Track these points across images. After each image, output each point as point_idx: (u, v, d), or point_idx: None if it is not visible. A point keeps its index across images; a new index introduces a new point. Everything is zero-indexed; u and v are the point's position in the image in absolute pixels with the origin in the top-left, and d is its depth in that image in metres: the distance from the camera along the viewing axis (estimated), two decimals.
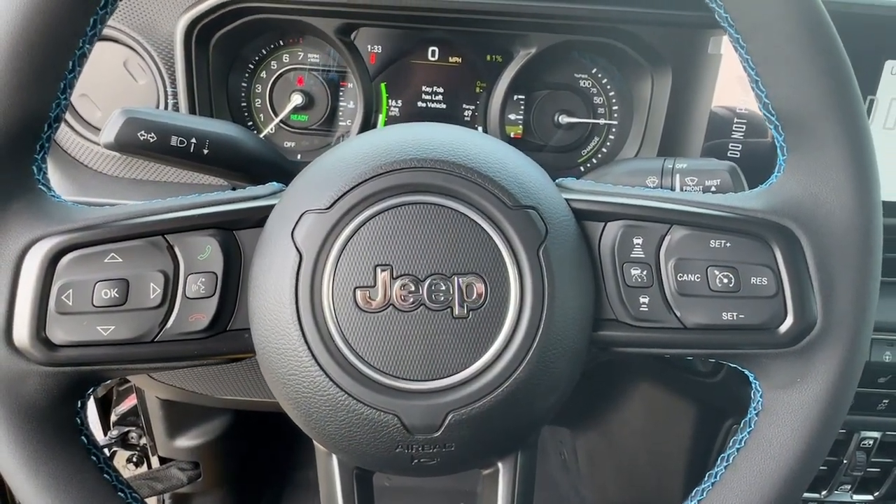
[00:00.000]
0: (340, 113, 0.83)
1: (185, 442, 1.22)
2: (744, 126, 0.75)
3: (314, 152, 0.84)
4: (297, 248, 0.41)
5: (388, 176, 0.42)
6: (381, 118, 0.83)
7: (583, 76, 0.82)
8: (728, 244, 0.44)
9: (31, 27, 0.38)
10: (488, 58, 0.82)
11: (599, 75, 0.82)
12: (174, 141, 0.56)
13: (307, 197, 0.43)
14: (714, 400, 0.90)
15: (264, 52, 0.81)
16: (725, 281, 0.44)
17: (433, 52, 0.81)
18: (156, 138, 0.55)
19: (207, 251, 0.44)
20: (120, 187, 0.77)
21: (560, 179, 0.52)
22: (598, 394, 1.20)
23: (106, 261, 0.42)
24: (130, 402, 1.26)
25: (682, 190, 0.58)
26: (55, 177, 0.76)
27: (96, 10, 0.40)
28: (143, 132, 0.55)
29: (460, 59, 0.82)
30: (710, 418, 0.92)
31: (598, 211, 0.46)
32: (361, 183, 0.42)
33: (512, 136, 0.84)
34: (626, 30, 0.72)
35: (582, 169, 0.85)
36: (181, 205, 0.45)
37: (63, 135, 0.78)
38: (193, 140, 0.57)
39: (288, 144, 0.84)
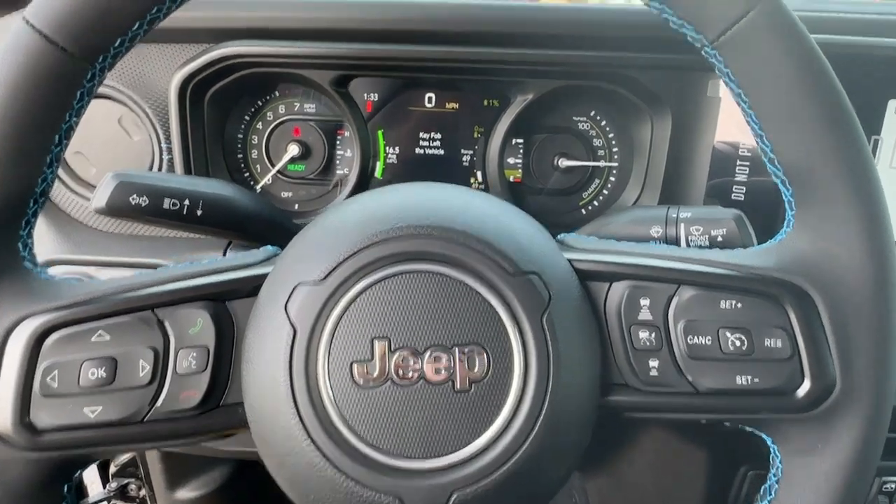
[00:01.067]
0: (338, 161, 0.82)
1: (186, 493, 1.19)
2: (747, 166, 0.74)
3: (312, 202, 0.83)
4: (290, 322, 0.40)
5: (382, 245, 0.41)
6: (379, 166, 0.82)
7: (581, 119, 0.81)
8: (739, 305, 0.43)
9: (14, 108, 0.37)
10: (485, 103, 0.81)
11: (598, 118, 0.81)
12: (167, 204, 0.55)
13: (300, 267, 0.42)
14: (727, 444, 0.87)
15: (260, 103, 0.80)
16: (738, 343, 0.42)
17: (429, 98, 0.81)
18: (148, 202, 0.54)
19: (199, 324, 0.42)
20: (114, 243, 0.76)
21: (562, 236, 0.51)
22: (608, 436, 1.17)
23: (93, 339, 0.41)
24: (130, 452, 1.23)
25: (687, 240, 0.56)
26: (48, 235, 0.76)
27: (83, 84, 0.39)
28: (134, 196, 0.54)
29: (457, 105, 0.81)
30: (724, 464, 0.89)
31: (603, 271, 0.45)
32: (356, 253, 0.41)
33: (511, 179, 0.83)
34: (624, 74, 0.72)
35: (583, 212, 0.83)
36: (171, 276, 0.43)
37: (57, 192, 0.78)
38: (187, 202, 0.56)
39: (285, 195, 0.83)
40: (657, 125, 0.75)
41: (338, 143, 0.82)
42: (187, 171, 0.73)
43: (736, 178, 0.72)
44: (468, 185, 0.83)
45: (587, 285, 0.45)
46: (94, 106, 0.74)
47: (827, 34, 0.66)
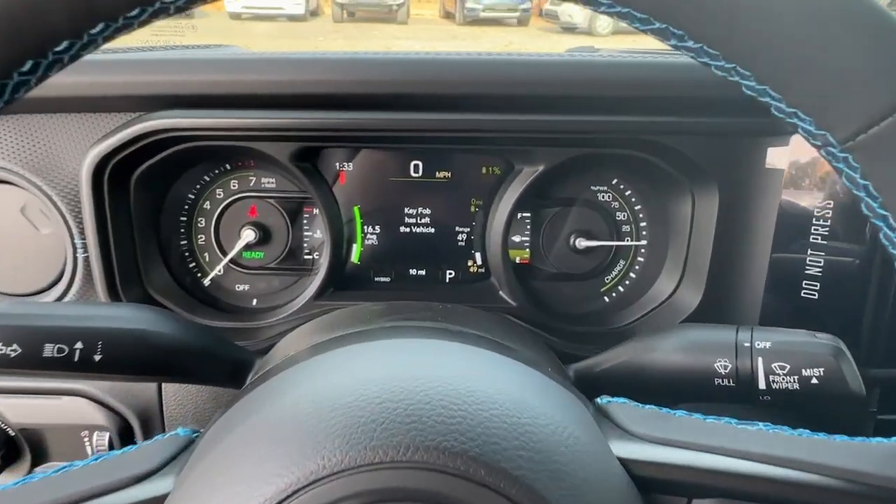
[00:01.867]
0: (305, 245, 0.67)
1: None
2: (826, 227, 0.56)
3: (274, 296, 0.68)
4: None
5: (351, 477, 0.25)
6: (356, 249, 0.67)
7: (601, 189, 0.66)
8: None
9: None
10: (484, 171, 0.66)
11: (622, 187, 0.66)
12: (49, 350, 0.39)
13: (224, 497, 0.26)
14: None
15: (207, 178, 0.65)
16: None
17: (416, 166, 0.66)
18: (20, 351, 0.39)
19: None
20: None
21: (602, 401, 0.36)
22: None
23: None
24: None
25: (768, 380, 0.41)
26: None
27: None
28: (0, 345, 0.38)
29: (450, 174, 0.66)
30: None
31: (679, 481, 0.30)
32: (311, 486, 0.25)
33: (517, 261, 0.68)
34: (658, 141, 0.57)
35: (605, 300, 0.68)
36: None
37: None
38: (79, 345, 0.40)
39: (241, 288, 0.68)
40: (700, 200, 0.60)
41: (304, 223, 0.67)
42: (108, 272, 0.57)
43: (812, 240, 0.56)
44: (465, 268, 0.68)
45: (652, 499, 0.30)
46: None
47: None
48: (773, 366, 0.41)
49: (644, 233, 0.67)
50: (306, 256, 0.67)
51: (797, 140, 0.55)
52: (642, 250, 0.67)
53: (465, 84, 0.57)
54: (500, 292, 0.66)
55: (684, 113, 0.56)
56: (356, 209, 0.67)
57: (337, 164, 0.65)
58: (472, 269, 0.69)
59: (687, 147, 0.57)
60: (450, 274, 0.69)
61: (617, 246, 0.67)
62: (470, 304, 0.66)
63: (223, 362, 0.47)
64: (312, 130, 0.56)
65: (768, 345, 0.42)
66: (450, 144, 0.60)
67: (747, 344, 0.42)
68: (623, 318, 0.66)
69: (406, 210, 0.67)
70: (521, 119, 0.58)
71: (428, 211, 0.67)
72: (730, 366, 0.42)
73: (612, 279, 0.68)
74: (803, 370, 0.41)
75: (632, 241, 0.67)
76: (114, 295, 0.58)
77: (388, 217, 0.67)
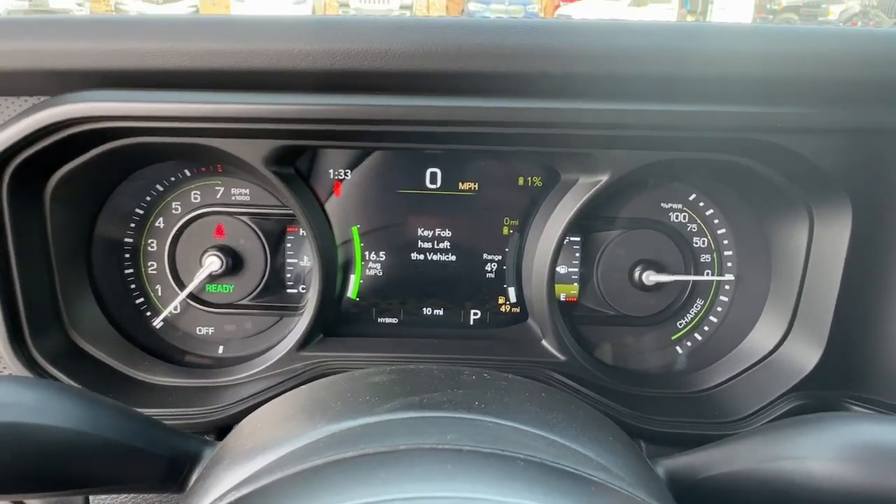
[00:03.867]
0: (287, 276, 0.52)
1: None
2: None
3: (245, 342, 0.52)
4: None
5: None
6: (354, 282, 0.52)
7: (675, 206, 0.51)
8: None
9: None
10: (521, 181, 0.51)
11: (701, 205, 0.51)
12: None
13: None
14: None
15: (159, 188, 0.50)
16: None
17: (433, 175, 0.51)
18: None
19: None
20: None
21: None
22: None
23: None
24: None
25: None
26: None
27: None
28: None
29: (476, 186, 0.51)
30: None
31: None
32: None
33: (563, 299, 0.52)
34: (766, 141, 0.42)
35: (678, 351, 0.52)
36: None
37: None
38: None
39: (202, 331, 0.52)
40: (822, 221, 0.44)
41: (287, 247, 0.51)
42: (8, 311, 0.42)
43: None
44: (495, 308, 0.53)
45: None
46: None
47: None
48: None
49: (730, 264, 0.51)
50: (289, 291, 0.52)
51: None
52: (726, 287, 0.52)
53: (507, 57, 0.40)
54: (544, 341, 0.50)
55: (808, 103, 0.40)
56: (354, 230, 0.51)
57: (330, 170, 0.50)
58: (503, 309, 0.53)
59: (811, 149, 0.41)
60: (475, 315, 0.53)
61: (694, 281, 0.51)
62: (501, 356, 0.50)
63: (153, 460, 0.31)
64: (294, 123, 0.41)
65: None
66: (480, 145, 0.45)
67: None
68: (706, 378, 0.50)
69: (419, 231, 0.52)
70: (587, 108, 0.41)
71: (448, 233, 0.52)
72: None
73: (687, 324, 0.52)
74: None
75: (713, 274, 0.51)
76: (19, 345, 0.42)
77: (395, 240, 0.52)
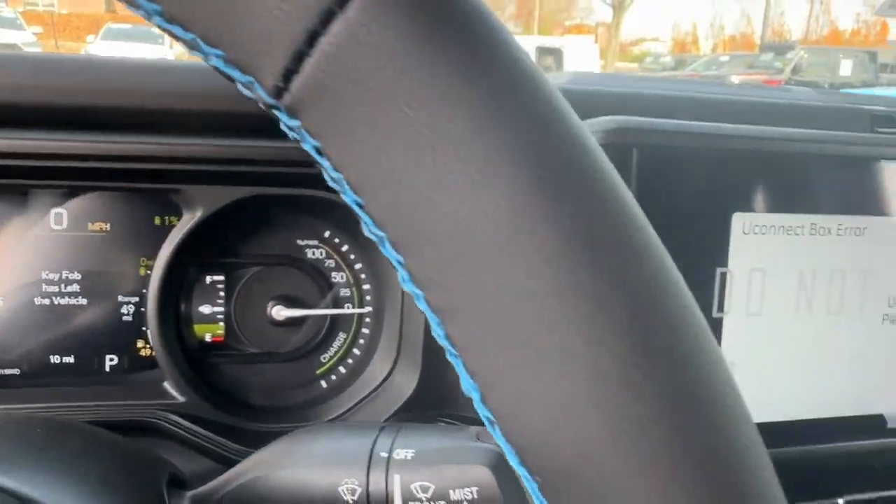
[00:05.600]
0: None
1: None
2: None
3: None
4: None
5: None
6: None
7: (311, 242, 0.52)
8: None
9: None
10: (157, 220, 0.50)
11: (336, 241, 0.53)
12: None
13: None
14: None
15: None
16: None
17: (58, 217, 0.49)
18: None
19: None
20: None
21: None
22: None
23: None
24: None
25: None
26: None
27: None
28: None
29: (108, 225, 0.50)
30: None
31: None
32: None
33: (209, 339, 0.51)
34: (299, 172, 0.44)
35: (323, 385, 0.53)
36: None
37: None
38: None
39: None
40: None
41: None
42: None
43: None
44: (133, 353, 0.51)
45: None
46: None
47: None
48: (413, 487, 0.27)
49: (369, 297, 0.53)
50: None
51: None
52: (367, 320, 0.53)
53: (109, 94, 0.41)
54: (165, 383, 0.48)
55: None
56: None
57: None
58: (143, 353, 0.51)
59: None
60: (111, 361, 0.51)
61: (333, 316, 0.52)
62: (135, 400, 0.48)
63: None
64: None
65: (410, 454, 0.28)
66: (106, 181, 0.44)
67: (384, 453, 0.28)
68: (338, 407, 0.51)
69: (44, 275, 0.49)
70: (179, 143, 0.42)
71: (77, 276, 0.50)
72: (359, 489, 0.28)
73: (330, 358, 0.53)
74: (452, 492, 0.27)
75: (353, 307, 0.53)
76: None
77: (18, 284, 0.49)
